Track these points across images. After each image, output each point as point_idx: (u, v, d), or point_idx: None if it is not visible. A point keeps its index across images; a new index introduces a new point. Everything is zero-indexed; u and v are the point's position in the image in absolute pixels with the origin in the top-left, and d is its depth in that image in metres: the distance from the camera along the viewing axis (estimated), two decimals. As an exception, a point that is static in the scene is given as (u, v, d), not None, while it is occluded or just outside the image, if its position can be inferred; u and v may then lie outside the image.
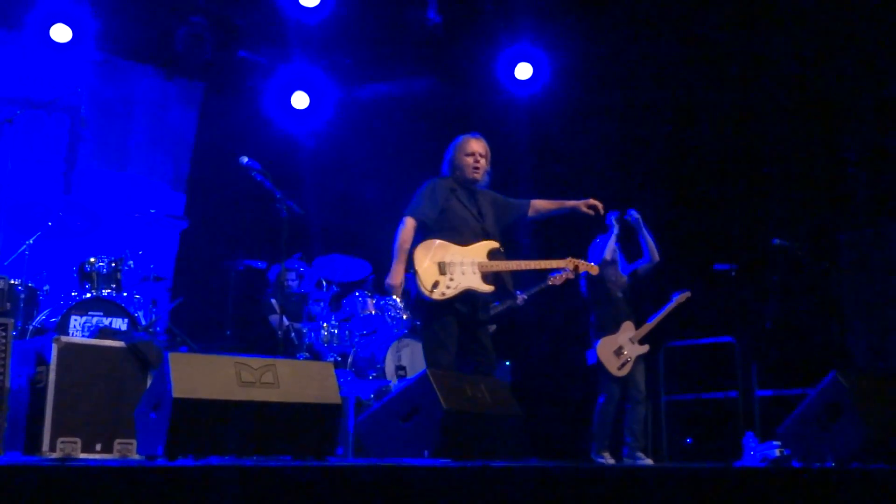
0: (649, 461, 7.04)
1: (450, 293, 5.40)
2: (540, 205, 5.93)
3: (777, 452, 5.96)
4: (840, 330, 8.28)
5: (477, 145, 5.75)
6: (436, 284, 5.39)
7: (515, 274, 5.75)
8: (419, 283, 5.39)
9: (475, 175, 5.71)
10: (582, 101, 9.67)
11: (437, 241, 5.50)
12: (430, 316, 5.47)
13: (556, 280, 7.23)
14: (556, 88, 9.53)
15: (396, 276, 5.49)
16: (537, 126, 9.81)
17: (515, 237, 9.55)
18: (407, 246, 5.49)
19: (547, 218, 6.05)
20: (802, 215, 8.61)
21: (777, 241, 7.45)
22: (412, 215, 5.56)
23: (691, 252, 8.94)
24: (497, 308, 7.28)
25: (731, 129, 9.11)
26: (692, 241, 9.06)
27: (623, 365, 7.11)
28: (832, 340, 8.27)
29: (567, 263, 5.81)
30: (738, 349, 8.08)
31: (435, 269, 5.41)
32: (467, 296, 5.47)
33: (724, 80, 9.01)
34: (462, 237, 5.54)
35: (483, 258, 5.52)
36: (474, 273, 5.46)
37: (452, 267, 5.43)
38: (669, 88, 9.29)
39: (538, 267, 5.80)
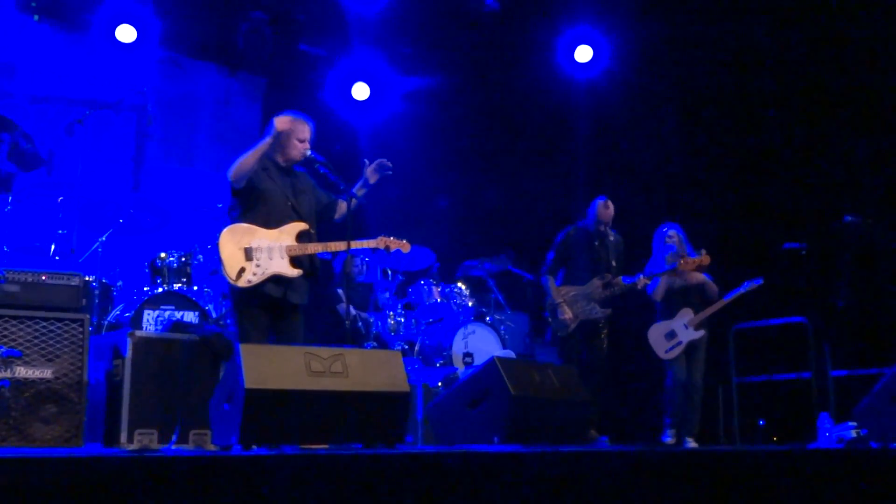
0: (694, 445, 7.08)
1: (256, 280, 5.24)
2: (344, 206, 5.69)
3: (853, 433, 5.84)
4: (916, 307, 8.07)
5: (308, 132, 5.54)
6: (241, 271, 5.22)
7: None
8: (224, 270, 5.23)
9: (296, 156, 5.51)
10: (644, 83, 9.55)
11: (244, 226, 5.34)
12: (239, 302, 5.32)
13: (687, 264, 7.12)
14: (617, 70, 9.43)
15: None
16: (597, 108, 9.73)
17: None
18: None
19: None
20: (874, 191, 8.39)
21: (849, 218, 7.29)
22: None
23: (761, 231, 8.79)
24: (616, 288, 7.16)
25: (798, 105, 8.92)
26: (761, 221, 8.90)
27: (672, 349, 7.17)
28: (907, 318, 8.06)
29: (378, 243, 5.63)
30: (810, 329, 7.93)
31: (241, 255, 5.25)
32: (277, 279, 5.30)
33: (790, 56, 8.82)
34: (270, 218, 5.38)
35: (291, 241, 5.36)
36: (282, 257, 5.31)
37: (259, 252, 5.27)
38: (733, 66, 9.13)
39: (347, 247, 5.44)
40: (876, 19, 8.24)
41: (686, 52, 9.24)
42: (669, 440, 7.12)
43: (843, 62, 8.55)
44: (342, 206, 5.71)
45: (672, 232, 7.30)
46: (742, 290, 7.18)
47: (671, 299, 7.29)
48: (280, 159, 5.51)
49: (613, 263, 7.28)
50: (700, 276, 7.31)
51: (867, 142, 8.59)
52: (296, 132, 5.51)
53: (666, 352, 7.17)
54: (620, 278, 7.18)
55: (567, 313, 7.12)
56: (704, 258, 7.14)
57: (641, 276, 7.16)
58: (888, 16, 8.14)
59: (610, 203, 7.30)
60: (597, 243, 7.27)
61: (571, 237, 7.31)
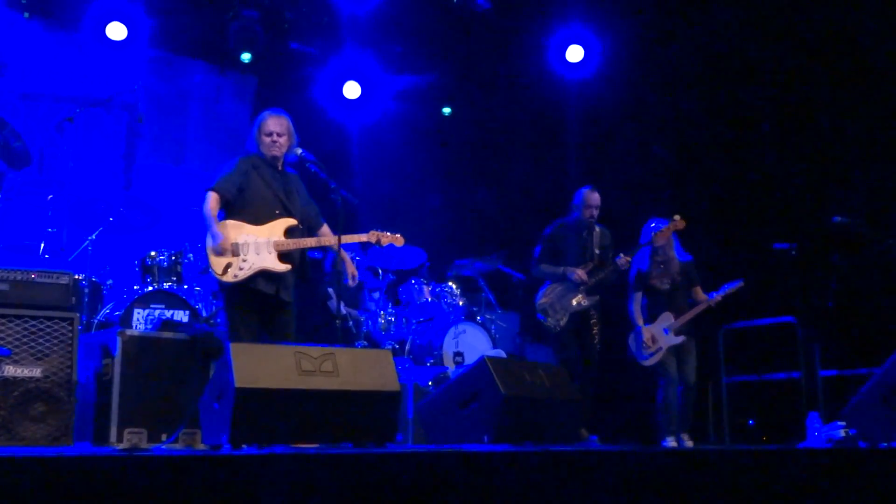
0: (690, 443, 7.00)
1: (243, 275, 5.23)
2: (324, 231, 5.72)
3: (842, 433, 5.86)
4: (905, 307, 8.11)
5: (274, 124, 5.51)
6: (227, 266, 5.22)
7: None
8: (210, 265, 5.24)
9: (273, 152, 5.50)
10: (635, 82, 9.57)
11: (232, 222, 5.34)
12: (228, 297, 5.34)
13: (662, 233, 6.99)
14: (608, 70, 9.44)
15: (215, 238, 5.25)
16: (589, 108, 9.74)
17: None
18: (214, 214, 5.30)
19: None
20: (863, 191, 8.43)
21: (837, 219, 7.28)
22: (213, 189, 5.37)
23: (750, 231, 8.82)
24: (600, 273, 7.03)
25: (789, 107, 8.95)
26: (751, 221, 8.93)
27: (650, 356, 7.07)
28: (897, 318, 8.10)
29: (370, 237, 5.65)
30: (799, 329, 7.95)
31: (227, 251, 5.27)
32: (268, 275, 5.31)
33: (782, 58, 8.85)
34: (259, 215, 5.39)
35: (279, 236, 5.36)
36: (270, 252, 5.31)
37: (246, 247, 5.27)
38: (724, 68, 9.15)
39: (338, 242, 5.44)
40: (866, 18, 8.28)
41: (677, 52, 9.26)
42: (669, 444, 7.01)
43: (833, 61, 8.58)
44: (325, 229, 5.73)
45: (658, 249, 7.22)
46: (721, 293, 7.06)
47: (655, 301, 7.18)
48: (267, 158, 5.53)
49: (597, 251, 7.15)
50: (683, 265, 7.21)
51: (855, 141, 8.63)
52: (260, 127, 5.53)
53: (645, 358, 7.06)
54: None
55: (582, 274, 7.02)
56: (679, 223, 6.98)
57: (622, 256, 6.99)
58: (878, 14, 8.17)
59: (595, 190, 7.17)
60: (584, 234, 7.18)
61: (559, 231, 7.24)
